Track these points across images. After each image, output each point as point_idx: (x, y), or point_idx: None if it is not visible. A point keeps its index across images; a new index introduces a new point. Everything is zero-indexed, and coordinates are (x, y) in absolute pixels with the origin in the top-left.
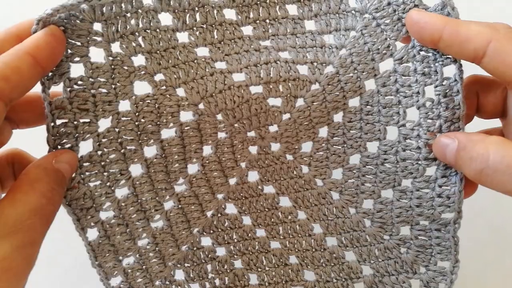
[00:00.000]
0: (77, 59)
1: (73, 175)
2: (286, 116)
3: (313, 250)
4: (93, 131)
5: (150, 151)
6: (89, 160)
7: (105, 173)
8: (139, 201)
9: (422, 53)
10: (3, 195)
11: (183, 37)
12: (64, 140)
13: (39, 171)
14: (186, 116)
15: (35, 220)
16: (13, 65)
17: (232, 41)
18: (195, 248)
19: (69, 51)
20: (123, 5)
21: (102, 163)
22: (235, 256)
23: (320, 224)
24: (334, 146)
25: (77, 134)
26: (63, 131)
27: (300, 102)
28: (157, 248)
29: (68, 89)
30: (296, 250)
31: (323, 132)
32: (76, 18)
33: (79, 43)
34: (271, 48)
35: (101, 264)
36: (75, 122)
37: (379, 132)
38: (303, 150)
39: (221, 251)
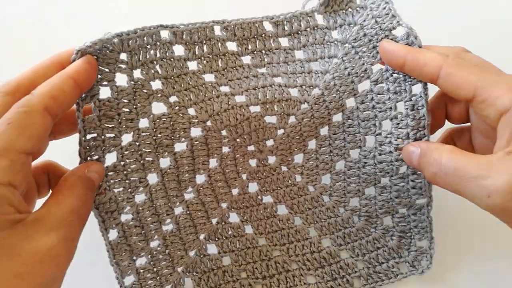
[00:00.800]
0: (105, 83)
1: (101, 183)
2: (280, 132)
3: (312, 252)
4: (117, 145)
5: (165, 162)
6: (114, 169)
7: (127, 181)
8: (154, 205)
9: (394, 75)
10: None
11: (193, 65)
12: (93, 152)
13: (75, 178)
14: (195, 132)
15: (74, 219)
16: (59, 87)
17: (234, 68)
18: (202, 256)
19: (99, 76)
20: (145, 38)
21: (125, 172)
22: (240, 265)
23: (314, 226)
24: (322, 156)
25: (104, 147)
26: (92, 144)
27: (292, 119)
28: (166, 251)
29: (98, 108)
30: (296, 254)
31: (312, 144)
32: (107, 49)
33: (107, 70)
34: (267, 75)
35: (118, 262)
36: (103, 137)
37: (360, 141)
38: (296, 161)
39: (227, 261)
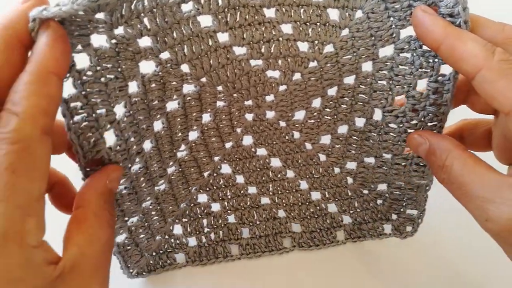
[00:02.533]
0: (79, 48)
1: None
2: (282, 88)
3: (300, 203)
4: (112, 120)
5: (157, 125)
6: (117, 149)
7: (127, 157)
8: (148, 171)
9: (424, 47)
10: None
11: (187, 7)
12: (88, 135)
13: (99, 198)
14: (188, 87)
15: (108, 252)
16: (46, 93)
17: (237, 9)
18: (192, 205)
19: (70, 41)
20: None
21: (127, 148)
22: (229, 211)
23: (306, 181)
24: (325, 117)
25: (99, 127)
26: (84, 126)
27: (297, 76)
28: (158, 207)
29: (79, 81)
30: (284, 204)
31: (317, 103)
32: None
33: (80, 33)
34: (275, 21)
35: None
36: (94, 115)
37: (367, 111)
38: (296, 117)
39: (216, 207)
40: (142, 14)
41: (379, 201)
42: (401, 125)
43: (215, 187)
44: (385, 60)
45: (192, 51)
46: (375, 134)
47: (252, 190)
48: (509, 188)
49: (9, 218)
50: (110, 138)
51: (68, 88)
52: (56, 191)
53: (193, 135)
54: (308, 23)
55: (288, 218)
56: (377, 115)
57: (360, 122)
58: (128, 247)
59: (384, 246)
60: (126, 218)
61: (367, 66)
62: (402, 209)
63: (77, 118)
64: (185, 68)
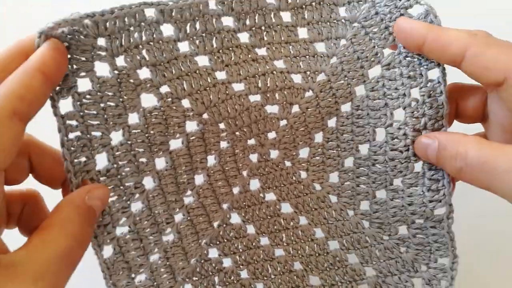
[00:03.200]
0: (83, 73)
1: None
2: (283, 123)
3: (317, 254)
4: (106, 144)
5: (160, 163)
6: (106, 174)
7: (121, 187)
8: (152, 214)
9: (408, 58)
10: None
11: (184, 46)
12: (79, 154)
13: (71, 210)
14: (191, 126)
15: (62, 265)
16: (26, 84)
17: (231, 49)
18: (203, 261)
19: (75, 66)
20: (126, 19)
21: (119, 177)
22: (241, 266)
23: (321, 228)
24: (329, 150)
25: (91, 147)
26: (77, 144)
27: (296, 108)
28: (168, 263)
29: (78, 103)
30: (300, 256)
31: (319, 137)
32: (80, 34)
33: (83, 58)
34: (267, 58)
35: (115, 283)
36: (88, 136)
37: (369, 134)
38: (301, 156)
39: (227, 262)
40: (141, 46)
41: (403, 249)
42: (406, 137)
43: (225, 240)
44: (375, 80)
45: (192, 86)
46: (381, 156)
47: (264, 241)
48: None
49: None
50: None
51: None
52: (27, 211)
53: (199, 179)
54: (298, 57)
55: (305, 270)
56: (379, 136)
57: (364, 149)
58: None
59: None
60: (133, 275)
61: (360, 90)
62: (431, 257)
63: (71, 135)
64: (186, 103)
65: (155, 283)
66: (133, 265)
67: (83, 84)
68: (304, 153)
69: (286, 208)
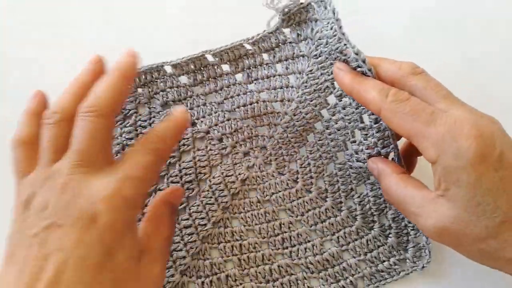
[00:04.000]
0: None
1: None
2: (272, 141)
3: (314, 255)
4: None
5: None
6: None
7: None
8: None
9: None
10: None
11: (197, 89)
12: None
13: (163, 206)
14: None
15: (168, 248)
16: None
17: (228, 88)
18: (204, 259)
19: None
20: (153, 74)
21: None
22: (244, 269)
23: (316, 228)
24: (313, 161)
25: None
26: None
27: (279, 129)
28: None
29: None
30: (299, 258)
31: (303, 151)
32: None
33: (129, 107)
34: (254, 91)
35: None
36: None
37: (342, 145)
38: (291, 167)
39: (230, 265)
40: (165, 90)
41: (387, 236)
42: (364, 153)
43: (226, 241)
44: (334, 106)
45: (199, 114)
46: (354, 163)
47: (264, 246)
48: (430, 202)
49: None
50: None
51: None
52: None
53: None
54: (276, 89)
55: (305, 272)
56: (350, 146)
57: (341, 156)
58: None
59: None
60: None
61: (325, 113)
62: (408, 239)
63: None
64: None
65: None
66: None
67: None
68: (293, 165)
69: (283, 214)
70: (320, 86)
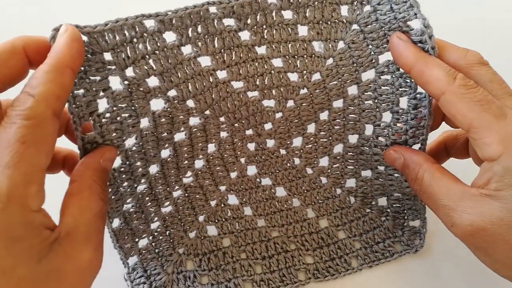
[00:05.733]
0: (102, 94)
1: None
2: (278, 115)
3: (310, 233)
4: (122, 151)
5: (164, 152)
6: (120, 171)
7: (132, 177)
8: (153, 192)
9: (401, 69)
10: None
11: (187, 49)
12: None
13: (92, 173)
14: (193, 119)
15: (100, 222)
16: (61, 83)
17: (232, 49)
18: (202, 237)
19: (94, 88)
20: (126, 32)
21: (131, 170)
22: (240, 246)
23: (312, 207)
24: (321, 140)
25: None
26: None
27: (290, 103)
28: (167, 232)
29: (98, 124)
30: (295, 235)
31: (311, 128)
32: (87, 53)
33: (99, 78)
34: (266, 57)
35: (121, 246)
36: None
37: (359, 128)
38: (294, 144)
39: (226, 242)
40: (147, 56)
41: (383, 218)
42: (388, 138)
43: (223, 219)
44: (368, 83)
45: (196, 88)
46: (367, 148)
47: (261, 223)
48: (470, 198)
49: (14, 182)
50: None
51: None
52: (69, 164)
53: (199, 164)
54: (296, 56)
55: (300, 249)
56: (368, 130)
57: (353, 138)
58: (138, 273)
59: (401, 269)
60: (137, 239)
61: (352, 90)
62: (405, 223)
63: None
64: (190, 103)
65: (156, 249)
66: (136, 231)
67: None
68: (297, 142)
69: (280, 191)
70: (361, 59)
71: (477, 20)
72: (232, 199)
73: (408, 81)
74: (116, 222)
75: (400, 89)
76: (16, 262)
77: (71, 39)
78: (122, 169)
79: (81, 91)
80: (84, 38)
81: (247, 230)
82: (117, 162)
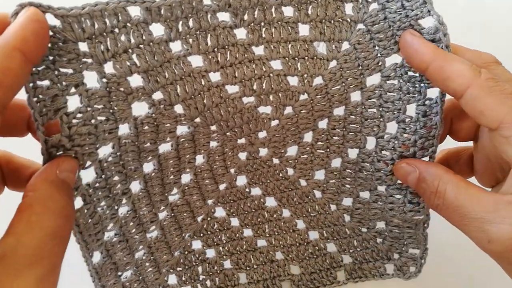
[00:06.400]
0: (73, 90)
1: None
2: (274, 123)
3: (297, 244)
4: (94, 160)
5: (148, 166)
6: (95, 186)
7: (110, 195)
8: (137, 215)
9: (410, 73)
10: None
11: (176, 46)
12: None
13: (48, 186)
14: (181, 128)
15: (54, 244)
16: (4, 66)
17: (226, 48)
18: (186, 252)
19: (64, 83)
20: (107, 20)
21: (108, 187)
22: (224, 256)
23: (303, 220)
24: (318, 151)
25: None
26: None
27: (289, 110)
28: (152, 257)
29: (67, 125)
30: (282, 246)
31: (308, 137)
32: (58, 40)
33: (71, 71)
34: (264, 58)
35: (104, 285)
36: (74, 155)
37: (360, 141)
38: (289, 154)
39: (210, 253)
40: (130, 50)
41: (379, 240)
42: (394, 151)
43: (209, 232)
44: (373, 89)
45: (185, 91)
46: (368, 164)
47: (247, 232)
48: (506, 206)
49: None
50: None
51: None
52: (11, 174)
53: (185, 178)
54: (296, 58)
55: (286, 260)
56: (370, 144)
57: (353, 153)
58: None
59: (386, 286)
60: (120, 273)
61: (356, 96)
62: (403, 248)
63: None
64: (178, 109)
65: (140, 277)
66: (120, 264)
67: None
68: (292, 151)
69: (271, 202)
70: (367, 61)
71: (480, 24)
72: (219, 211)
73: (417, 85)
74: (97, 257)
75: (408, 95)
76: None
77: (28, 19)
78: (97, 184)
79: (46, 82)
80: (57, 22)
81: (233, 241)
82: (92, 175)
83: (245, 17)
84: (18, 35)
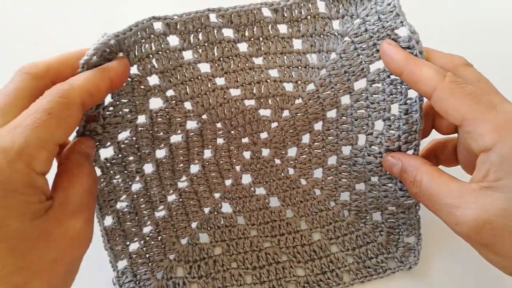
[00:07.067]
0: None
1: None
2: (274, 125)
3: (302, 245)
4: (113, 142)
5: (160, 153)
6: (112, 161)
7: (125, 171)
8: (148, 193)
9: (391, 76)
10: None
11: (188, 55)
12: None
13: (79, 156)
14: (190, 123)
15: (89, 198)
16: (97, 84)
17: (230, 58)
18: (193, 244)
19: None
20: (139, 33)
21: (123, 164)
22: (231, 255)
23: (306, 219)
24: (315, 150)
25: (99, 145)
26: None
27: (286, 113)
28: (159, 237)
29: (102, 117)
30: (287, 247)
31: (306, 138)
32: (105, 53)
33: None
34: (263, 67)
35: (112, 247)
36: (100, 136)
37: (352, 139)
38: (289, 154)
39: (218, 250)
40: (151, 55)
41: (377, 233)
42: (381, 146)
43: (216, 227)
44: (360, 92)
45: (193, 90)
46: (360, 158)
47: (253, 232)
48: (470, 193)
49: (28, 142)
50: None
51: None
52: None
53: (194, 169)
54: (291, 67)
55: (291, 261)
56: (361, 141)
57: (346, 150)
58: (127, 277)
59: (393, 285)
60: (128, 242)
61: (345, 100)
62: (399, 238)
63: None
64: (188, 106)
65: (146, 254)
66: (128, 233)
67: None
68: (292, 152)
69: (274, 202)
70: (353, 68)
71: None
72: (226, 207)
73: (399, 87)
74: (108, 221)
75: (391, 95)
76: (9, 214)
77: (121, 63)
78: (114, 160)
79: None
80: (112, 41)
81: (239, 239)
82: (110, 152)
83: (246, 33)
84: (116, 69)
